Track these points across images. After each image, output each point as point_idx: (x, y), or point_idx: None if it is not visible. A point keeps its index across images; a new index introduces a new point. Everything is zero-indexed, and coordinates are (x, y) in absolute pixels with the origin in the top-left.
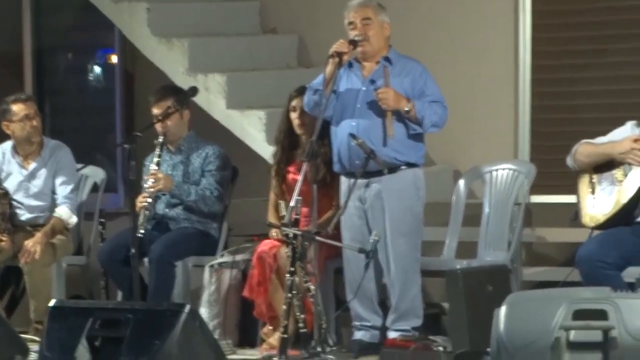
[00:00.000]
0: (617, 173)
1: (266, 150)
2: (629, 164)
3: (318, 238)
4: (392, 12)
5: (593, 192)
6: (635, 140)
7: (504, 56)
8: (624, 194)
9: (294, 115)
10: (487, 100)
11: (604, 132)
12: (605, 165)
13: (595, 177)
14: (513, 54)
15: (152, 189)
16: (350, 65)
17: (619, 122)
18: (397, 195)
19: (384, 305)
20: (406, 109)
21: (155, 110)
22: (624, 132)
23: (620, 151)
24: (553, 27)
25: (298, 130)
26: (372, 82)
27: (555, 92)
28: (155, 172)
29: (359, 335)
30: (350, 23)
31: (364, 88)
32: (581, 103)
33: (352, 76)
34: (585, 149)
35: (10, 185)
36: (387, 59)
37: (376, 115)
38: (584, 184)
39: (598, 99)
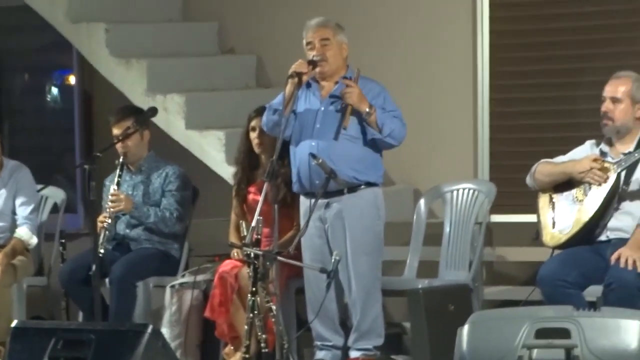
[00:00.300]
0: (577, 192)
1: (226, 171)
2: (589, 183)
3: (279, 258)
4: (351, 32)
5: (553, 212)
6: (595, 160)
7: (462, 76)
8: (585, 213)
9: (253, 136)
10: (447, 120)
11: (564, 152)
12: (565, 184)
13: (555, 196)
14: (472, 74)
15: (112, 210)
16: (308, 85)
17: (579, 142)
18: (358, 214)
19: (345, 325)
20: (367, 110)
21: (115, 131)
22: (583, 152)
23: (579, 170)
24: (511, 47)
25: (257, 150)
26: (332, 101)
27: (514, 112)
28: (116, 192)
29: (320, 355)
30: (309, 43)
31: (322, 108)
32: (540, 123)
33: (310, 96)
34: (544, 168)
35: None
36: (346, 78)
37: (334, 135)
38: (544, 203)
39: (557, 118)
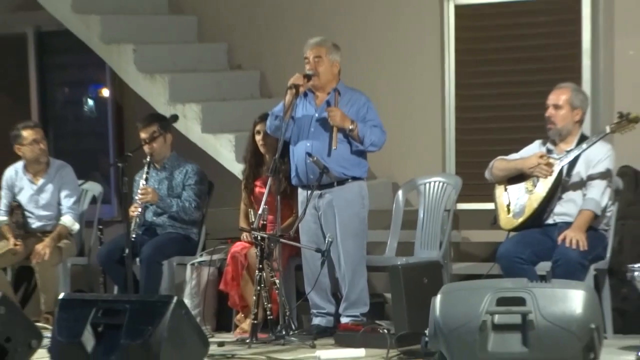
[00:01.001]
0: (528, 184)
1: (236, 168)
2: (537, 176)
3: (282, 240)
4: (342, 49)
5: (508, 200)
6: (541, 156)
7: (432, 88)
8: (534, 202)
9: (258, 138)
10: (419, 124)
11: (516, 150)
12: (517, 177)
13: (509, 188)
14: (440, 87)
15: (141, 201)
16: (305, 94)
17: (529, 141)
18: (346, 203)
19: (336, 296)
20: (350, 127)
21: (143, 135)
22: (532, 150)
23: (529, 166)
24: (473, 62)
25: (262, 150)
26: (324, 109)
27: (475, 117)
28: (145, 186)
29: (316, 320)
30: (306, 58)
31: (316, 114)
32: (497, 126)
33: (306, 104)
34: (500, 164)
35: (22, 198)
36: (336, 90)
37: (325, 136)
38: (500, 193)
39: (510, 122)
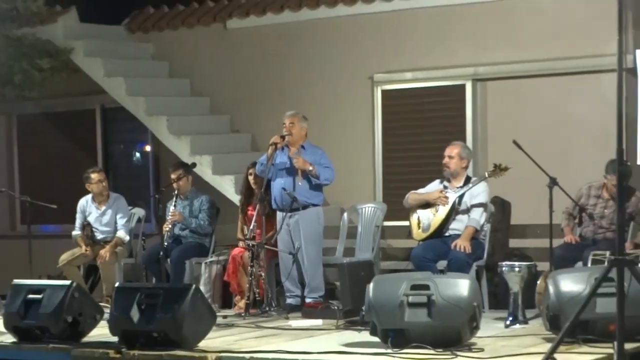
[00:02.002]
0: (432, 210)
1: (235, 198)
2: (438, 204)
3: (265, 246)
4: (310, 119)
5: (418, 221)
6: (441, 191)
7: (366, 146)
8: (437, 221)
9: (250, 178)
10: (358, 169)
11: (423, 185)
12: (425, 205)
13: (419, 211)
14: (372, 144)
15: (171, 220)
16: (283, 148)
17: (431, 180)
18: (308, 222)
19: (302, 284)
20: (310, 168)
21: (172, 176)
22: (433, 186)
23: (433, 197)
24: (394, 127)
25: (253, 186)
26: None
27: (395, 164)
28: (174, 211)
29: (289, 300)
30: (283, 124)
31: (288, 162)
32: (410, 169)
33: (283, 155)
34: (413, 196)
35: (91, 219)
36: (302, 146)
37: (295, 177)
38: (413, 216)
39: (420, 167)
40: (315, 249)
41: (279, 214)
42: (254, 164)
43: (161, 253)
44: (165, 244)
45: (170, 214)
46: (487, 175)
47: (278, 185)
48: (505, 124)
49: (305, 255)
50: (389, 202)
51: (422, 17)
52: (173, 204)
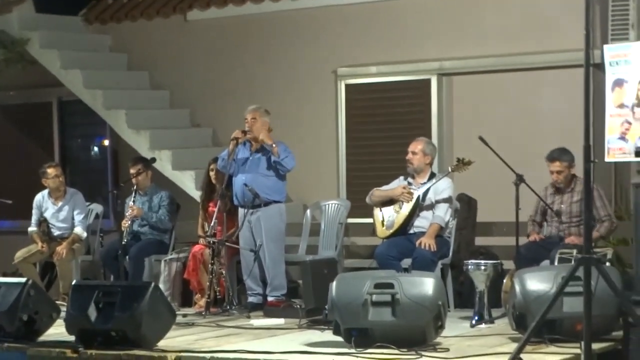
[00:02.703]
0: (396, 206)
1: (195, 194)
2: (402, 201)
3: (227, 243)
4: (273, 113)
5: (382, 218)
6: (404, 187)
7: (330, 141)
8: (400, 218)
9: (211, 174)
10: (322, 165)
11: (387, 182)
12: (389, 202)
13: (383, 209)
14: (335, 140)
15: (130, 216)
16: (244, 143)
17: (395, 176)
18: (270, 219)
19: (264, 282)
20: (270, 142)
21: (132, 171)
22: (397, 183)
23: (396, 194)
24: (358, 122)
25: (214, 181)
26: (256, 154)
27: (359, 160)
28: (132, 206)
29: (251, 299)
30: (245, 119)
31: (250, 157)
32: (374, 166)
33: (245, 150)
34: (376, 193)
35: (47, 215)
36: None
37: (257, 172)
38: (377, 213)
39: (383, 163)
40: (277, 247)
41: (241, 211)
42: (215, 159)
43: (119, 250)
44: (124, 240)
45: (129, 210)
46: (450, 170)
47: (240, 181)
48: (471, 119)
49: (267, 252)
50: (352, 199)
51: (387, 10)
52: (132, 199)
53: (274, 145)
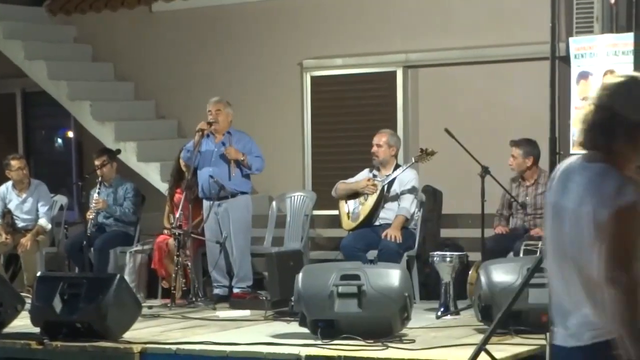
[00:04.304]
0: (361, 198)
1: (161, 186)
2: (366, 193)
3: (192, 235)
4: (236, 105)
5: (348, 210)
6: (369, 180)
7: (296, 133)
8: (365, 210)
9: (181, 161)
10: (287, 157)
11: (352, 174)
12: (354, 194)
13: (348, 201)
14: (300, 132)
15: (94, 208)
16: (208, 135)
17: (360, 168)
18: (237, 210)
19: (230, 274)
20: (242, 159)
21: (96, 162)
22: (362, 175)
23: (361, 186)
24: (323, 114)
25: (183, 169)
26: (222, 145)
27: (325, 152)
28: (97, 198)
29: (216, 291)
30: (209, 111)
31: (215, 149)
32: (339, 158)
33: (209, 142)
34: (341, 186)
35: (11, 206)
36: (229, 132)
37: (222, 164)
38: (342, 205)
39: (348, 155)
40: (244, 238)
41: (206, 203)
42: (182, 150)
43: (84, 242)
44: (89, 232)
45: (94, 201)
46: (414, 161)
47: (205, 173)
48: (437, 111)
49: (235, 244)
50: (318, 191)
51: (353, 2)
52: (97, 191)
53: (243, 159)
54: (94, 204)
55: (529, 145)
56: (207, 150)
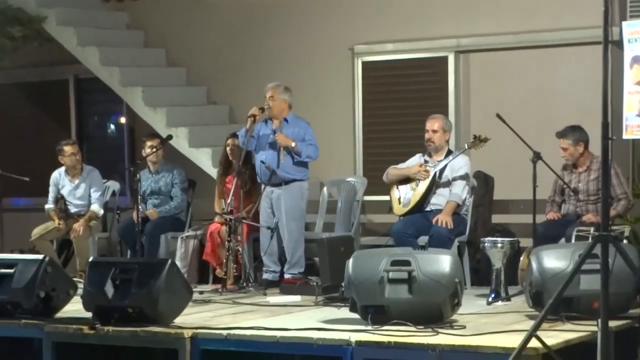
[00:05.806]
0: (412, 184)
1: (212, 171)
2: (418, 179)
3: (244, 221)
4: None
5: (399, 195)
6: (421, 165)
7: (347, 119)
8: (417, 196)
9: (228, 149)
10: (339, 143)
11: (404, 160)
12: (405, 180)
13: (399, 187)
14: (352, 117)
15: (148, 215)
16: (266, 121)
17: (412, 154)
18: (290, 197)
19: (281, 260)
20: (292, 145)
21: (148, 143)
22: (414, 160)
23: (413, 172)
24: (375, 100)
25: (231, 158)
26: (275, 131)
27: (376, 137)
28: (150, 212)
29: (267, 276)
30: (265, 96)
31: (271, 135)
32: (391, 143)
33: (267, 127)
34: (392, 171)
35: (64, 192)
36: (285, 119)
37: (273, 150)
38: (393, 191)
39: (400, 140)
40: (297, 225)
41: (265, 188)
42: (233, 135)
43: (137, 227)
44: (140, 217)
45: (146, 213)
46: (466, 147)
47: (259, 158)
48: (489, 97)
49: (287, 231)
50: (369, 177)
51: None
52: (139, 180)
53: (293, 146)
54: (147, 214)
55: (576, 132)
56: (264, 136)
